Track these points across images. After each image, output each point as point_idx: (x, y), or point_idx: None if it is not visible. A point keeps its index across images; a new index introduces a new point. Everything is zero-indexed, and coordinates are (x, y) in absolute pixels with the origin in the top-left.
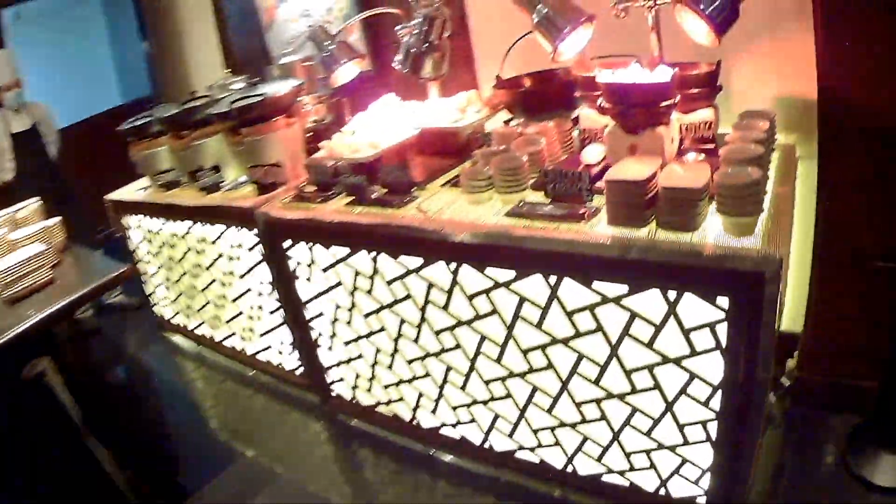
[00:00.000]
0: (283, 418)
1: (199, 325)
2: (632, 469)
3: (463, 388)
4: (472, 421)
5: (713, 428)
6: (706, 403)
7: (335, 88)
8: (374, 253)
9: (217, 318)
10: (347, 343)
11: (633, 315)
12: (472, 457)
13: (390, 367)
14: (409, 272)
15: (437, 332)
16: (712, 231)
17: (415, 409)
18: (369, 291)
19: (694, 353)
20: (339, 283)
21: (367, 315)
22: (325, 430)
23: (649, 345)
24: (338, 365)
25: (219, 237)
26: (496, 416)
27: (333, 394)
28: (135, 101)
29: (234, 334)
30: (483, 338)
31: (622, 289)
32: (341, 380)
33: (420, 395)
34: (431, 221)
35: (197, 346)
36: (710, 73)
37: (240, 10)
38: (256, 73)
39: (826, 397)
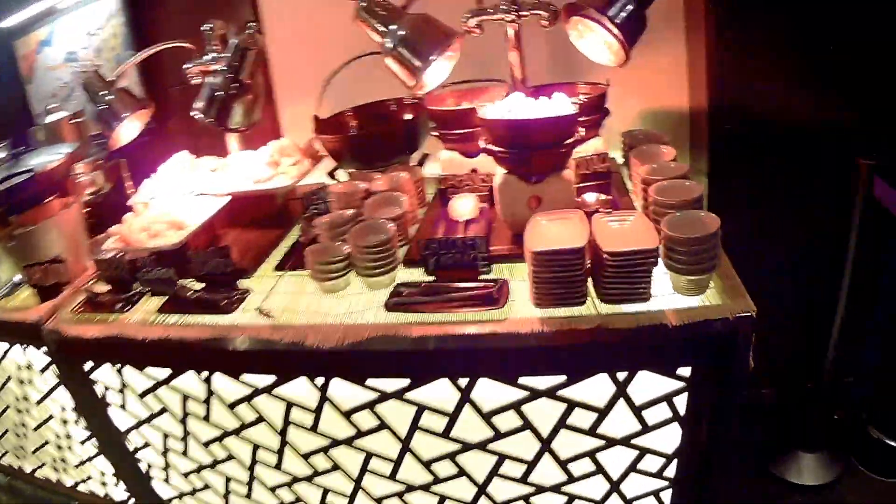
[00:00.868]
0: None
1: (3, 454)
2: None
3: None
4: None
5: (667, 497)
6: (659, 474)
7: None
8: (206, 373)
9: (21, 448)
10: (188, 474)
11: (572, 405)
12: None
13: (248, 495)
14: (257, 392)
15: (306, 456)
16: (663, 293)
17: None
18: (206, 418)
19: (646, 429)
20: (163, 410)
21: (206, 444)
22: None
23: (591, 431)
24: (180, 497)
25: (2, 357)
26: None
27: None
28: None
29: (44, 465)
30: (370, 455)
31: (558, 378)
32: None
33: None
34: (285, 330)
35: (5, 478)
36: (599, 95)
37: None
38: (18, 139)
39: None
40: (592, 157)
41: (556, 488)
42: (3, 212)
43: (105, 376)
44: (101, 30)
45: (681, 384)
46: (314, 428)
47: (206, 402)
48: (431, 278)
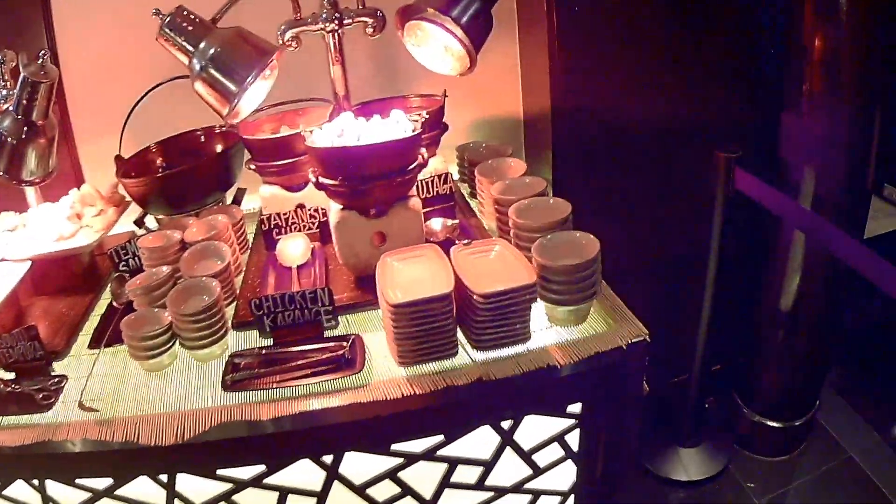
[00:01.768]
0: None
1: None
2: None
3: None
4: None
5: None
6: None
7: None
8: (35, 480)
9: None
10: None
11: (454, 463)
12: None
13: None
14: (97, 495)
15: None
16: (540, 327)
17: None
18: None
19: (538, 472)
20: None
21: None
22: None
23: (479, 485)
24: None
25: None
26: None
27: None
28: None
29: None
30: None
31: (436, 439)
32: None
33: None
34: (114, 426)
35: None
36: (437, 110)
37: None
38: None
39: None
40: (433, 178)
41: None
42: None
43: None
44: None
45: (571, 421)
46: None
47: None
48: (269, 342)
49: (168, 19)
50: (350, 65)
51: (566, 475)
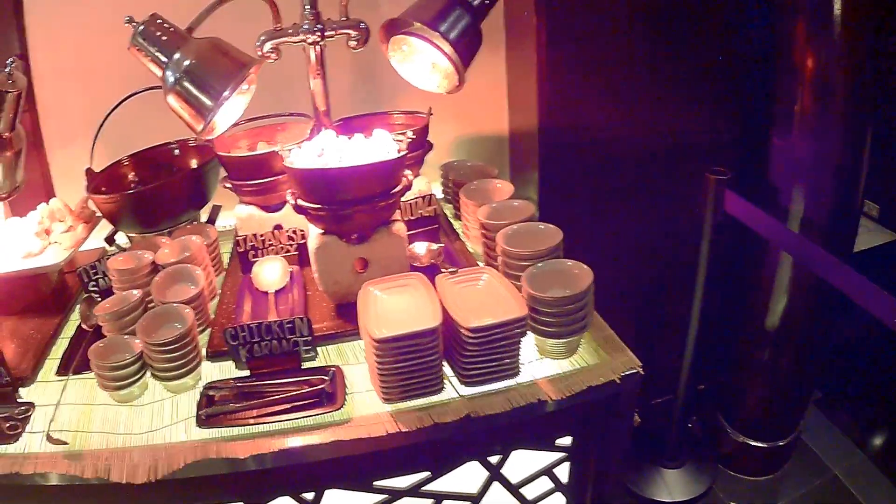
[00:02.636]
0: None
1: None
2: None
3: None
4: None
5: None
6: None
7: None
8: None
9: None
10: None
11: (439, 498)
12: None
13: None
14: None
15: None
16: (528, 359)
17: None
18: None
19: None
20: None
21: None
22: None
23: None
24: None
25: None
26: None
27: None
28: None
29: None
30: None
31: (420, 475)
32: None
33: None
34: (83, 460)
35: None
36: (422, 128)
37: None
38: None
39: None
40: (417, 199)
41: None
42: None
43: None
44: None
45: (561, 454)
46: None
47: None
48: (245, 373)
49: (141, 28)
50: (330, 79)
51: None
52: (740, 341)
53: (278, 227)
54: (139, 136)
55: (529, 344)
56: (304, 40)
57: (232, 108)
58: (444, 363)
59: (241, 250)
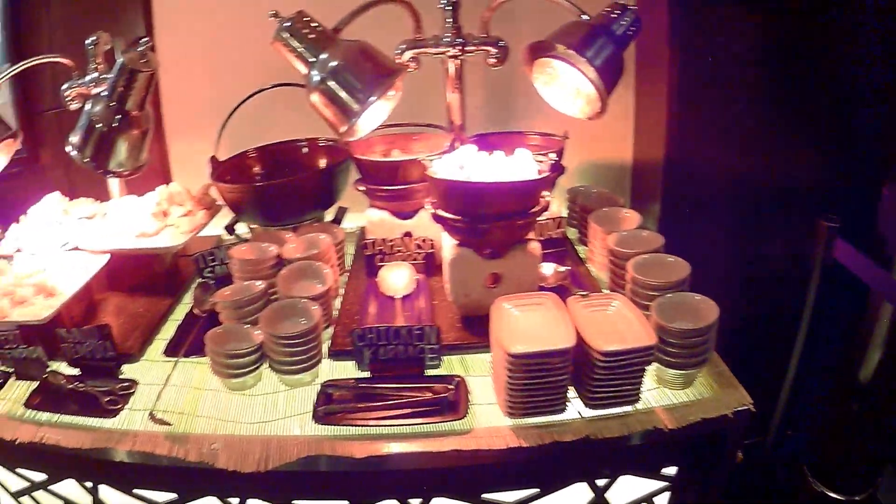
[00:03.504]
0: None
1: None
2: None
3: None
4: None
5: None
6: None
7: None
8: (90, 483)
9: None
10: None
11: None
12: None
13: None
14: None
15: None
16: (647, 387)
17: None
18: None
19: None
20: None
21: None
22: None
23: None
24: None
25: None
26: None
27: None
28: None
29: None
30: None
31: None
32: None
33: None
34: (187, 444)
35: None
36: (557, 151)
37: None
38: None
39: None
40: (547, 220)
41: None
42: None
43: None
44: None
45: (664, 483)
46: None
47: None
48: (364, 374)
49: (288, 24)
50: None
51: None
52: (831, 390)
53: (408, 234)
54: (260, 130)
55: (649, 372)
56: (444, 53)
57: (376, 113)
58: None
59: (369, 253)
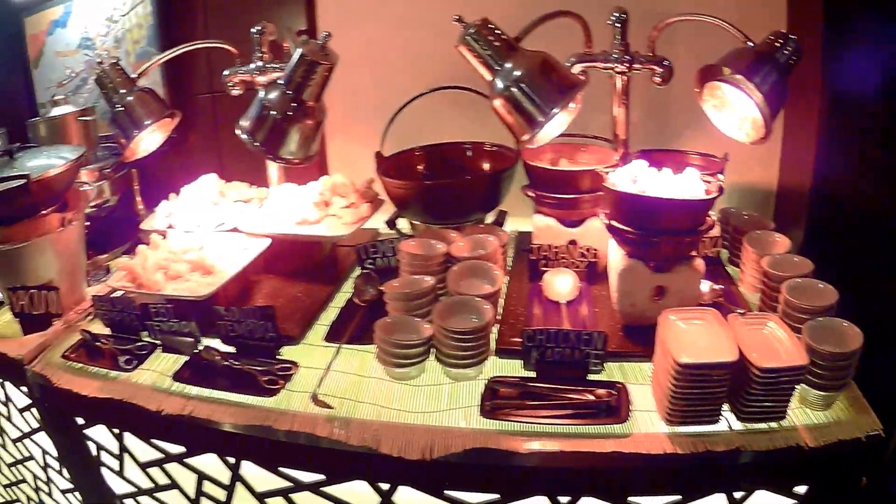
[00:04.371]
0: None
1: None
2: None
3: None
4: None
5: None
6: None
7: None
8: (233, 460)
9: None
10: None
11: None
12: None
13: None
14: (298, 487)
15: None
16: (790, 407)
17: None
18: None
19: None
20: (172, 485)
21: None
22: None
23: None
24: None
25: None
26: None
27: None
28: None
29: (17, 501)
30: None
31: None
32: None
33: None
34: (349, 428)
35: None
36: (717, 171)
37: None
38: (17, 130)
39: None
40: (705, 239)
41: None
42: None
43: (100, 435)
44: (125, 17)
45: (793, 501)
46: None
47: (229, 488)
48: (529, 374)
49: (473, 30)
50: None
51: None
52: None
53: (573, 242)
54: (418, 130)
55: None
56: (613, 68)
57: (556, 124)
58: None
59: (534, 258)
